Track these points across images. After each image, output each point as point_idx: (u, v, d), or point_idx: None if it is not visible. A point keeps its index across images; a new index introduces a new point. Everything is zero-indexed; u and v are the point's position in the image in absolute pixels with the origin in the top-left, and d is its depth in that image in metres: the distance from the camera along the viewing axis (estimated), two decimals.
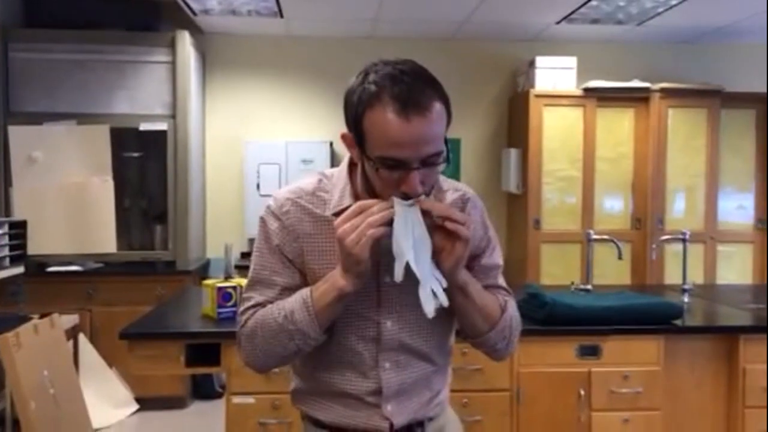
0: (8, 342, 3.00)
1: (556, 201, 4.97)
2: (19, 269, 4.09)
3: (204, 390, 4.65)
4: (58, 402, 3.25)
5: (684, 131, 4.98)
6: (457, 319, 1.42)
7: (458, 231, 1.26)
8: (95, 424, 3.71)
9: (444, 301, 1.26)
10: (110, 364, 4.27)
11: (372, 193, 1.31)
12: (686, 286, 3.27)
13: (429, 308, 1.25)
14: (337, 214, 1.32)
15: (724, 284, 4.76)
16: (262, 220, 1.40)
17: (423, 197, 1.26)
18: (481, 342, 1.43)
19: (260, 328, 1.34)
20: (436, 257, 1.27)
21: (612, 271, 4.77)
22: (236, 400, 2.57)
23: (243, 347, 1.39)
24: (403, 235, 1.24)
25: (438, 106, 1.22)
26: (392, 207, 1.24)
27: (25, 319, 3.45)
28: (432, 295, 1.25)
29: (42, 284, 4.36)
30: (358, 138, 1.26)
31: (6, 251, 3.95)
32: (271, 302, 1.36)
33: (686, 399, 2.74)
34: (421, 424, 1.43)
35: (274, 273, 1.38)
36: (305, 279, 1.38)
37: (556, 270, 4.87)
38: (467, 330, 1.43)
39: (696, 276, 4.89)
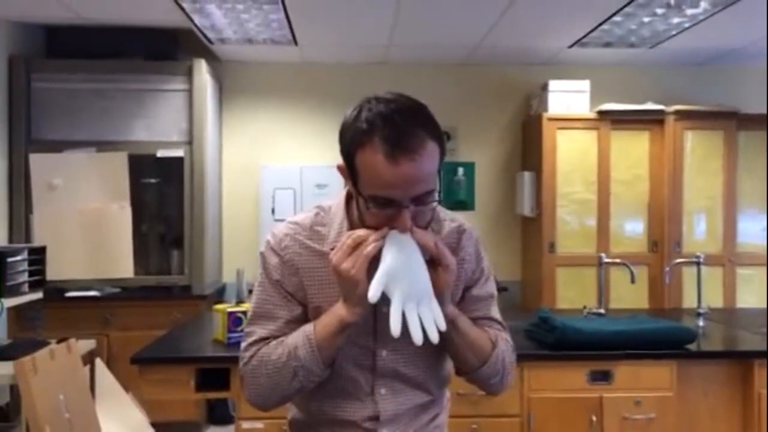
0: (25, 367, 3.04)
1: (571, 224, 4.94)
2: (38, 295, 4.15)
3: (219, 415, 4.66)
4: (73, 427, 3.27)
5: (700, 153, 4.95)
6: (448, 353, 1.43)
7: (441, 258, 1.29)
8: None
9: (433, 336, 1.25)
10: (126, 389, 4.29)
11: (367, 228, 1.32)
12: (701, 310, 3.24)
13: (396, 328, 1.23)
14: (334, 249, 1.34)
15: (743, 308, 4.69)
16: (263, 255, 1.43)
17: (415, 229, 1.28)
18: (474, 377, 1.44)
19: (263, 365, 1.35)
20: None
21: (629, 294, 4.73)
22: (245, 425, 2.58)
23: (246, 385, 1.39)
24: (391, 256, 1.24)
25: (429, 146, 1.23)
26: (385, 234, 1.26)
27: (43, 344, 3.50)
28: (419, 323, 1.24)
29: (60, 309, 4.42)
30: (351, 174, 1.29)
31: (25, 277, 4.01)
32: (274, 336, 1.38)
33: (700, 425, 2.69)
34: None
35: (276, 307, 1.39)
36: (306, 312, 1.40)
37: (571, 294, 4.83)
38: (459, 365, 1.44)
39: (715, 299, 4.82)
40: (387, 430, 1.39)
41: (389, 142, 1.20)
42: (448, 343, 1.37)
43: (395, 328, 1.22)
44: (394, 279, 1.24)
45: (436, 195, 1.28)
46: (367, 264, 1.24)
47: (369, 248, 1.24)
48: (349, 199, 1.42)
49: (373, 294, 1.22)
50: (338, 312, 1.30)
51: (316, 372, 1.32)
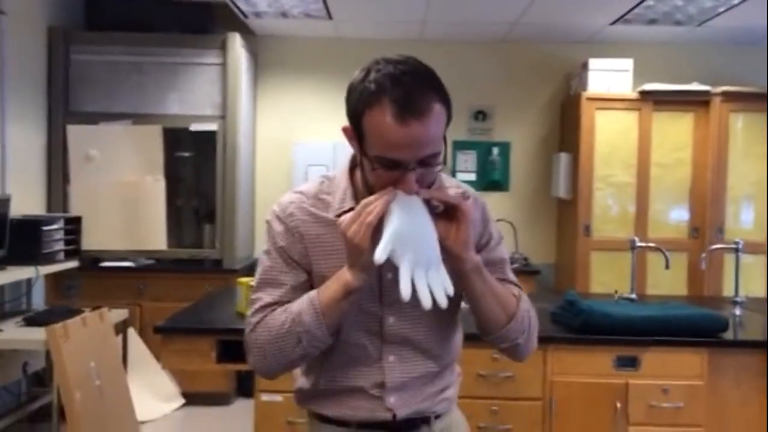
0: (56, 333, 3.12)
1: (608, 207, 4.82)
2: (74, 263, 4.24)
3: (248, 387, 4.71)
4: (104, 393, 3.35)
5: (746, 137, 4.76)
6: (473, 311, 1.40)
7: (458, 205, 1.27)
8: (141, 417, 3.81)
9: (441, 300, 1.23)
10: (158, 359, 4.37)
11: (372, 194, 1.31)
12: (738, 299, 3.12)
13: (407, 293, 1.21)
14: (339, 215, 1.34)
15: None
16: (268, 223, 1.44)
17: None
18: (501, 336, 1.41)
19: (268, 332, 1.35)
20: (443, 244, 1.27)
21: (666, 281, 4.61)
22: (264, 398, 2.59)
23: (251, 351, 1.39)
24: (399, 219, 1.23)
25: (437, 108, 1.22)
26: (391, 198, 1.24)
27: (77, 312, 3.58)
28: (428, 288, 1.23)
29: (95, 279, 4.52)
30: (357, 135, 1.28)
31: (61, 246, 4.10)
32: (279, 302, 1.37)
33: (731, 416, 2.60)
34: (426, 420, 1.43)
35: (282, 273, 1.39)
36: (311, 279, 1.40)
37: (606, 278, 4.72)
38: (485, 323, 1.41)
39: (757, 289, 4.66)
40: (394, 398, 1.39)
41: (398, 103, 1.20)
42: (475, 296, 1.35)
43: (405, 294, 1.21)
44: (401, 243, 1.23)
45: (441, 158, 1.27)
46: (371, 230, 1.23)
47: (371, 216, 1.23)
48: (353, 167, 1.42)
49: (379, 257, 1.21)
50: (343, 277, 1.29)
51: (320, 338, 1.32)
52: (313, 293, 1.33)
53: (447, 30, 4.99)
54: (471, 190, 1.49)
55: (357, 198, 1.37)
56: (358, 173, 1.39)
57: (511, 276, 1.48)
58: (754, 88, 4.76)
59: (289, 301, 1.37)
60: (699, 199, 4.81)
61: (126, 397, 3.61)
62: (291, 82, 5.31)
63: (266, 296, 1.39)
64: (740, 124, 4.76)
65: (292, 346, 1.33)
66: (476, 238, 1.42)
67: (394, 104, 1.20)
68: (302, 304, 1.33)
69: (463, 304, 1.44)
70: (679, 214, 4.86)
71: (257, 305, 1.39)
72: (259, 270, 1.43)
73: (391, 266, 1.27)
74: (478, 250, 1.42)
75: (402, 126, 1.19)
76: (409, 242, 1.23)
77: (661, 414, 2.55)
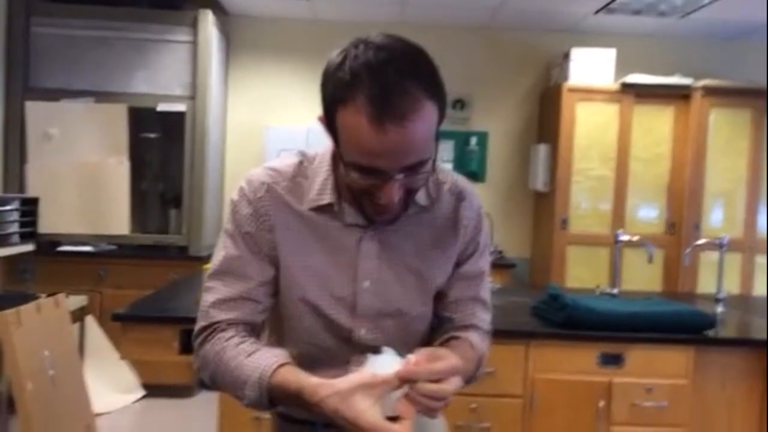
0: (7, 320, 2.92)
1: (586, 201, 4.74)
2: (29, 247, 4.02)
3: None
4: (58, 384, 3.16)
5: (726, 132, 4.71)
6: None
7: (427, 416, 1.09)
8: (98, 409, 3.62)
9: None
10: (117, 348, 4.18)
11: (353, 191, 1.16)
12: (720, 296, 3.05)
13: None
14: (314, 209, 1.19)
15: (761, 296, 4.48)
16: (234, 204, 1.24)
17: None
18: None
19: (215, 365, 1.17)
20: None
21: (642, 276, 4.55)
22: None
23: (198, 364, 1.22)
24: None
25: (425, 107, 1.02)
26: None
27: (32, 297, 3.38)
28: None
29: (53, 263, 4.30)
30: (331, 133, 1.10)
31: (16, 228, 3.89)
32: (242, 297, 1.19)
33: (716, 416, 2.52)
34: (396, 418, 1.29)
35: (247, 263, 1.20)
36: (278, 273, 1.23)
37: (582, 273, 4.65)
38: None
39: (731, 286, 4.62)
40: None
41: (375, 103, 0.99)
42: None
43: None
44: None
45: (431, 164, 1.09)
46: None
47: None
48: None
49: None
50: (304, 390, 1.06)
51: (262, 408, 1.15)
52: (266, 368, 1.10)
53: (428, 13, 4.84)
54: (468, 189, 1.30)
55: (338, 190, 1.21)
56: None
57: (483, 293, 1.32)
58: (735, 83, 4.71)
59: (252, 298, 1.19)
60: (676, 194, 4.75)
61: (81, 388, 3.42)
62: (264, 64, 5.12)
63: (225, 288, 1.19)
64: (720, 119, 4.70)
65: (233, 393, 1.16)
66: (463, 246, 1.28)
67: (371, 104, 0.99)
68: (252, 373, 1.11)
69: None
70: (656, 209, 4.81)
71: (214, 297, 1.20)
72: (219, 255, 1.22)
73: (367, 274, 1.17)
74: (461, 261, 1.29)
75: (379, 132, 1.00)
76: None
77: (643, 413, 2.46)
